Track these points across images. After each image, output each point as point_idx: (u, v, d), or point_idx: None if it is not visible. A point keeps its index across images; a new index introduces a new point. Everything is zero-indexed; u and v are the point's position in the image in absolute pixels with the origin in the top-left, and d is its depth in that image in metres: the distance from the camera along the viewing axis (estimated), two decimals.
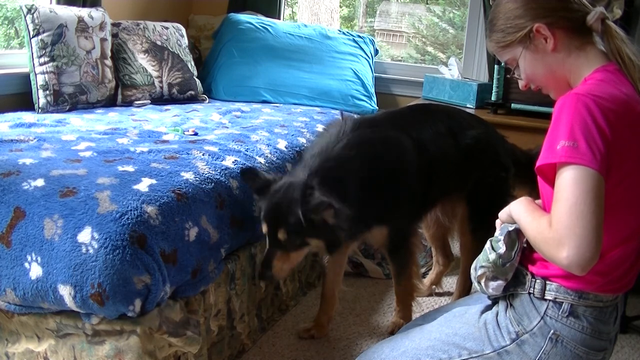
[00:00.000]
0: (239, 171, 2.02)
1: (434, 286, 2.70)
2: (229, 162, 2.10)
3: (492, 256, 1.34)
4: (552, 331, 1.31)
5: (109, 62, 2.96)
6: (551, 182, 1.21)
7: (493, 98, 3.07)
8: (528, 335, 1.33)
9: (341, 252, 2.20)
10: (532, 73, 1.39)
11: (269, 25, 3.62)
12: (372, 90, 3.56)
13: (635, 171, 1.24)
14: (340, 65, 3.55)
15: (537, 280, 1.33)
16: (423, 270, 2.77)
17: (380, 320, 2.44)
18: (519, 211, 1.32)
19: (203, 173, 1.94)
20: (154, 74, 3.14)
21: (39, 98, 2.70)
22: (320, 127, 2.86)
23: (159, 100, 3.17)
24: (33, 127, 2.38)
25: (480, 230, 2.30)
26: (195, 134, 2.46)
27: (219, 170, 2.01)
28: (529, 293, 1.34)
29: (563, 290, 1.30)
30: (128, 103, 3.05)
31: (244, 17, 3.65)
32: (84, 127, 2.44)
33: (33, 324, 1.66)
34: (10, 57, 2.94)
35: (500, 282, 1.35)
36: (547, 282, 1.31)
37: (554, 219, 1.15)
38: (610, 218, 1.16)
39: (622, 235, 1.28)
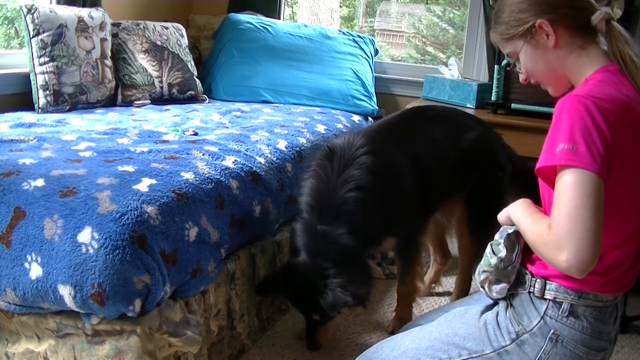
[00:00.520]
0: (255, 288, 2.10)
1: (433, 285, 2.70)
2: (229, 162, 2.10)
3: (494, 260, 1.34)
4: (552, 331, 1.31)
5: (109, 62, 2.96)
6: (551, 184, 1.21)
7: (493, 98, 3.07)
8: (528, 335, 1.33)
9: None
10: (532, 68, 1.39)
11: (269, 25, 3.62)
12: (372, 90, 3.55)
13: (635, 172, 1.24)
14: (340, 65, 3.55)
15: (537, 280, 1.33)
16: (424, 270, 2.77)
17: (380, 320, 2.44)
18: (517, 213, 1.32)
19: (203, 173, 1.94)
20: (154, 74, 3.14)
21: (39, 98, 2.70)
22: (319, 127, 2.86)
23: (159, 100, 3.17)
24: (33, 127, 2.38)
25: (478, 230, 2.31)
26: (195, 134, 2.46)
27: (219, 170, 2.01)
28: (529, 292, 1.34)
29: (563, 290, 1.30)
30: (128, 103, 3.05)
31: (244, 17, 3.65)
32: (84, 127, 2.44)
33: (33, 324, 1.66)
34: (10, 57, 2.94)
35: (503, 285, 1.36)
36: (547, 281, 1.31)
37: (553, 222, 1.15)
38: (610, 219, 1.16)
39: (623, 236, 1.28)
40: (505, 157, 2.34)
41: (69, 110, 2.76)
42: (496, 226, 1.43)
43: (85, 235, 1.54)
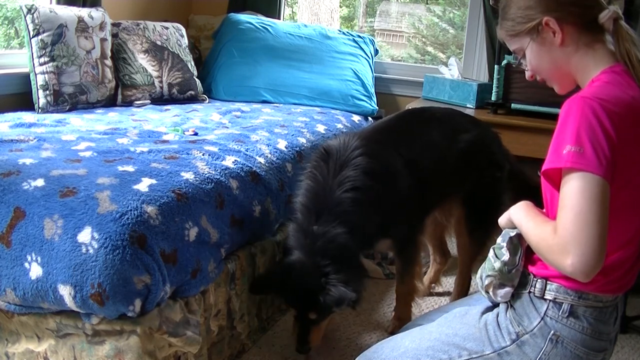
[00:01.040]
0: (249, 287, 2.07)
1: (433, 285, 2.70)
2: (229, 162, 2.10)
3: (497, 264, 1.34)
4: (552, 332, 1.31)
5: (109, 62, 2.96)
6: (557, 186, 1.21)
7: (493, 98, 3.07)
8: (528, 336, 1.33)
9: None
10: (538, 65, 1.38)
11: (269, 25, 3.62)
12: (372, 90, 3.55)
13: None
14: (340, 65, 3.55)
15: (538, 280, 1.32)
16: (423, 269, 2.77)
17: (380, 320, 2.44)
18: (519, 217, 1.31)
19: (203, 173, 1.94)
20: (154, 74, 3.14)
21: (39, 98, 2.70)
22: (319, 127, 2.86)
23: (159, 100, 3.17)
24: (33, 127, 2.38)
25: (478, 230, 2.32)
26: (195, 134, 2.46)
27: (219, 170, 2.01)
28: (529, 292, 1.34)
29: (563, 291, 1.29)
30: (128, 103, 3.05)
31: (244, 17, 3.65)
32: (84, 127, 2.44)
33: (33, 324, 1.66)
34: (10, 57, 2.94)
35: (507, 289, 1.35)
36: (548, 282, 1.31)
37: (559, 226, 1.15)
38: (614, 221, 1.16)
39: (626, 238, 1.28)
40: (502, 157, 2.35)
41: (69, 110, 2.76)
42: (495, 226, 1.43)
43: (85, 235, 1.54)
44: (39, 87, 2.69)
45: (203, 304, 1.84)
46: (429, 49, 4.94)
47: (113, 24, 3.07)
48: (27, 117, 2.52)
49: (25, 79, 2.75)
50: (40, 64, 2.69)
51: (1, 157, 1.91)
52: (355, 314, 2.46)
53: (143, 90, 3.10)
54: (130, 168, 1.86)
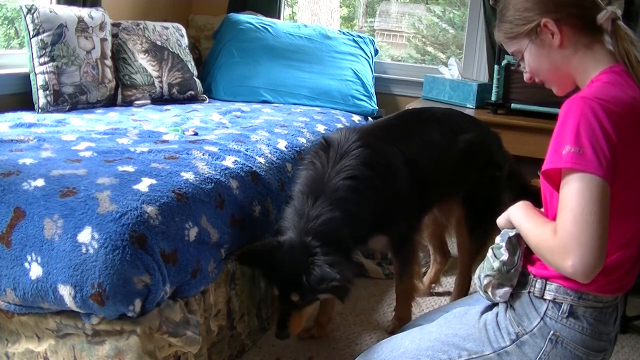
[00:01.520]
0: (237, 257, 2.00)
1: (433, 285, 2.70)
2: (229, 162, 2.10)
3: (496, 264, 1.34)
4: (551, 332, 1.31)
5: (109, 62, 2.96)
6: (556, 186, 1.20)
7: (493, 98, 3.07)
8: (528, 336, 1.33)
9: None
10: (537, 67, 1.38)
11: (269, 25, 3.62)
12: (372, 90, 3.55)
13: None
14: (340, 65, 3.55)
15: (537, 280, 1.32)
16: (423, 269, 2.77)
17: (380, 320, 2.44)
18: (518, 217, 1.31)
19: (203, 173, 1.94)
20: (154, 74, 3.14)
21: (39, 98, 2.70)
22: (319, 127, 2.86)
23: (159, 100, 3.17)
24: (33, 127, 2.38)
25: (477, 229, 2.32)
26: (195, 134, 2.46)
27: (219, 170, 2.01)
28: (529, 292, 1.34)
29: (562, 291, 1.29)
30: (128, 103, 3.05)
31: (244, 17, 3.65)
32: (84, 127, 2.44)
33: (33, 324, 1.66)
34: (10, 57, 2.94)
35: (506, 288, 1.35)
36: (547, 282, 1.31)
37: (559, 227, 1.15)
38: (614, 221, 1.16)
39: (626, 238, 1.28)
40: (501, 156, 2.35)
41: (69, 110, 2.76)
42: (495, 225, 1.43)
43: (85, 235, 1.54)
44: (39, 87, 2.69)
45: (203, 304, 1.84)
46: (429, 49, 4.94)
47: (113, 24, 3.07)
48: (27, 117, 2.51)
49: (25, 79, 2.75)
50: (40, 64, 2.69)
51: (1, 157, 1.91)
52: (355, 314, 2.46)
53: (143, 90, 3.10)
54: (130, 168, 1.86)
